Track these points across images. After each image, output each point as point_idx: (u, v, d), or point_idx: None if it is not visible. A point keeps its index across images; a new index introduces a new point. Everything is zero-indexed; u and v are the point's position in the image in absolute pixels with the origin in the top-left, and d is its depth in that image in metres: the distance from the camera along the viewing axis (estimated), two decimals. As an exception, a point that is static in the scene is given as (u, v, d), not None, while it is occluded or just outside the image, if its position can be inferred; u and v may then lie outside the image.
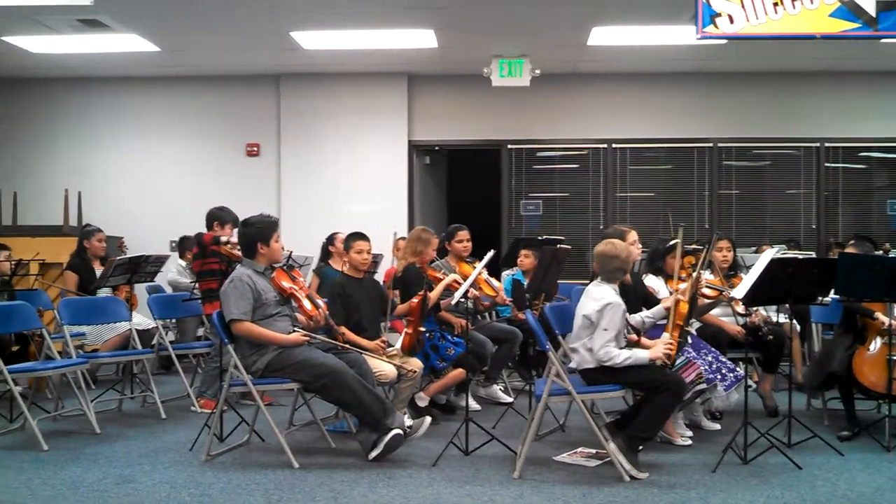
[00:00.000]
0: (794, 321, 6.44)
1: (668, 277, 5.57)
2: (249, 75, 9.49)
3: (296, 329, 4.85)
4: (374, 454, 4.66)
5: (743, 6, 5.66)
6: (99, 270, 6.96)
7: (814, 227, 9.44)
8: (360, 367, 4.83)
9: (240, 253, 5.18)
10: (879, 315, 5.22)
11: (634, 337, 4.85)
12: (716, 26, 5.68)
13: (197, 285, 6.32)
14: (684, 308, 4.60)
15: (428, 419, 4.98)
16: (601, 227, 9.20)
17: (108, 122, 9.67)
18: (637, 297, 5.06)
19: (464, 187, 10.88)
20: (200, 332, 7.54)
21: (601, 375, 4.50)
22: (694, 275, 4.73)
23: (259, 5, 7.05)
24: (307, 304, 4.93)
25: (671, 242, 5.63)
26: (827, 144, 9.41)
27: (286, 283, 4.94)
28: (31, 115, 9.69)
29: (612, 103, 9.52)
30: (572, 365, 4.68)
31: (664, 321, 4.79)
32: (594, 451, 4.87)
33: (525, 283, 6.37)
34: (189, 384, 6.45)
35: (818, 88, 9.37)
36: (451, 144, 9.91)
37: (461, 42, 8.13)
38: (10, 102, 9.69)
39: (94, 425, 5.49)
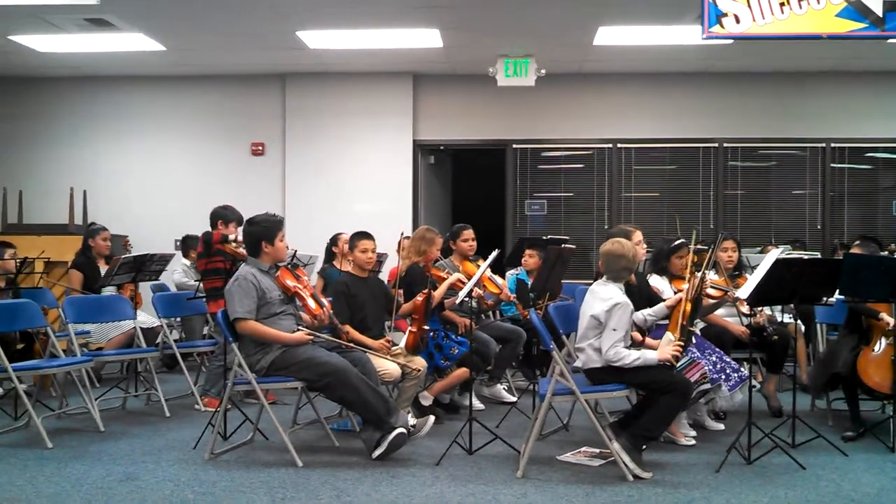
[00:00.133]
0: (799, 321, 6.42)
1: (672, 278, 5.57)
2: (255, 75, 9.50)
3: (300, 328, 4.86)
4: (377, 453, 4.67)
5: (749, 6, 5.63)
6: (104, 269, 6.97)
7: (819, 227, 9.41)
8: (363, 365, 4.83)
9: (244, 252, 5.19)
10: (884, 316, 5.20)
11: (639, 337, 4.85)
12: (722, 26, 5.66)
13: (202, 284, 6.33)
14: (687, 308, 4.59)
15: (431, 418, 4.99)
16: (606, 227, 9.18)
17: (114, 121, 9.68)
18: (642, 298, 5.05)
19: (468, 187, 10.88)
20: (206, 330, 7.55)
21: (607, 375, 4.49)
22: (698, 275, 4.72)
23: (265, 5, 7.05)
24: (311, 303, 4.93)
25: (676, 243, 5.63)
26: (833, 145, 9.38)
27: (290, 282, 4.94)
28: (38, 114, 9.70)
29: (617, 103, 9.50)
30: (576, 364, 4.67)
31: (665, 321, 4.78)
32: (598, 450, 4.87)
33: (529, 283, 6.36)
34: (193, 382, 6.48)
35: (824, 89, 9.33)
36: (456, 144, 9.89)
37: (466, 42, 8.13)
38: (17, 101, 9.70)
39: (98, 423, 5.51)
